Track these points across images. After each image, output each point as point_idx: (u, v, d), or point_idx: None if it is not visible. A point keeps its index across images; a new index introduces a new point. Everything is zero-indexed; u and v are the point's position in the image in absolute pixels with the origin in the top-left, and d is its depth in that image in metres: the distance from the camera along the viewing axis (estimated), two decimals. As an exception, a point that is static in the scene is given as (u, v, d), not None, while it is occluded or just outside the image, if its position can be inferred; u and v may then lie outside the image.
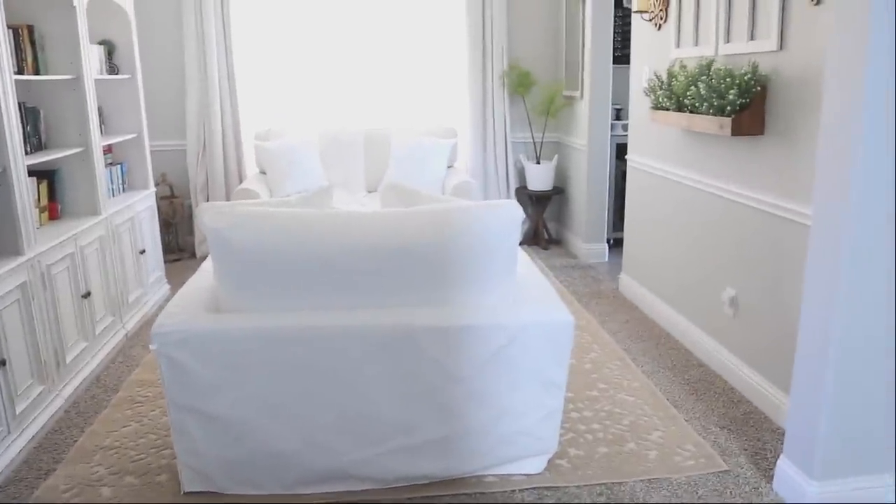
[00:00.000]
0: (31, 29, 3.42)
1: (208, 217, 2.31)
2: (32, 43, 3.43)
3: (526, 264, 2.87)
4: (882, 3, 1.95)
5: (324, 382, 2.34)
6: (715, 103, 3.10)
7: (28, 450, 2.80)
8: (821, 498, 2.34)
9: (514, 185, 6.08)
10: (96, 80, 3.88)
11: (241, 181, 5.70)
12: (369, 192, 5.59)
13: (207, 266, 2.75)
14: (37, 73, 3.46)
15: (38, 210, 3.38)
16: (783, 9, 2.84)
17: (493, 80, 5.85)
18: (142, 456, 2.75)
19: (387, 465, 2.46)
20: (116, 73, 4.33)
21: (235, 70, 5.57)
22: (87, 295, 3.49)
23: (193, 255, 5.76)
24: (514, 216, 2.43)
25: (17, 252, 2.92)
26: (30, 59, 3.40)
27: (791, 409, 2.45)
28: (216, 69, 5.49)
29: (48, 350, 3.07)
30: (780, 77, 2.91)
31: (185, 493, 2.47)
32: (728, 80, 3.03)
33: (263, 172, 5.51)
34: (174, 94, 5.64)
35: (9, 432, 2.73)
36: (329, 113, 5.88)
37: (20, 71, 3.27)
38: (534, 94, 5.86)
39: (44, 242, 3.12)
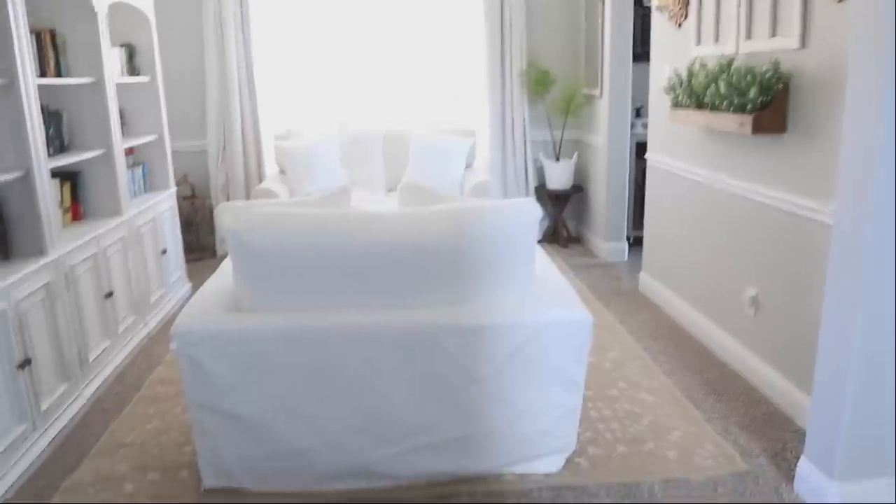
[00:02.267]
0: (53, 33, 3.47)
1: (227, 218, 2.33)
2: (55, 47, 3.48)
3: (545, 263, 2.87)
4: (904, -2, 1.93)
5: (343, 381, 2.35)
6: (735, 101, 3.08)
7: (53, 446, 2.85)
8: (841, 499, 2.31)
9: (533, 183, 6.06)
10: (117, 83, 3.93)
11: (260, 181, 5.73)
12: (389, 191, 5.60)
13: (227, 266, 2.77)
14: (59, 76, 3.51)
15: (61, 211, 3.43)
16: (805, 6, 2.81)
17: (512, 79, 5.84)
18: (164, 452, 2.78)
19: (406, 463, 2.47)
20: (137, 76, 4.38)
21: (255, 70, 5.60)
22: (110, 295, 3.53)
23: (214, 254, 5.81)
24: (532, 215, 2.43)
25: (41, 253, 2.96)
26: (52, 63, 3.45)
27: (812, 409, 2.42)
28: (236, 70, 5.53)
29: (72, 349, 3.12)
30: (802, 75, 2.88)
31: (205, 490, 2.50)
32: (749, 77, 3.00)
33: (283, 172, 5.54)
34: (194, 95, 5.69)
35: (34, 428, 2.78)
36: (348, 113, 5.91)
37: (42, 74, 3.32)
38: (553, 92, 5.84)
39: (67, 243, 3.16)
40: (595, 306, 4.40)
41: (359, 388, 2.36)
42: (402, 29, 5.82)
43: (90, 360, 3.30)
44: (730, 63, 3.23)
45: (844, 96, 2.19)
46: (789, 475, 2.55)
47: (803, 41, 2.84)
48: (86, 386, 3.24)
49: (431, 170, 5.32)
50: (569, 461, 2.63)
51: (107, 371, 3.45)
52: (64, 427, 2.96)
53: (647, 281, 4.65)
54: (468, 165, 5.67)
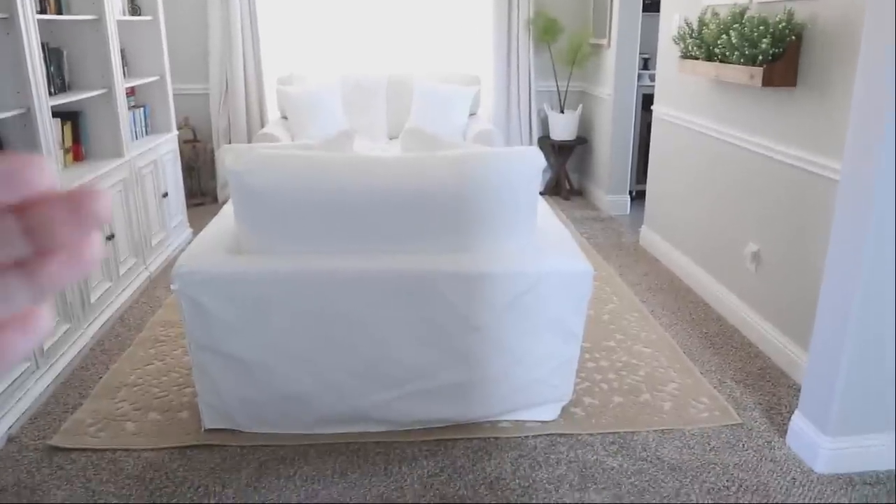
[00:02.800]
0: (52, -33, 3.40)
1: (230, 159, 2.32)
2: (54, -19, 3.41)
3: (546, 214, 2.86)
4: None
5: (342, 326, 2.37)
6: (747, 52, 3.02)
7: (55, 385, 2.88)
8: (834, 453, 2.34)
9: (536, 134, 6.01)
10: (118, 21, 3.86)
11: (262, 126, 5.68)
12: (391, 138, 5.55)
13: (229, 210, 2.76)
14: (59, 12, 3.45)
15: (62, 151, 3.40)
16: (821, -46, 2.74)
17: (518, 27, 5.74)
18: (164, 393, 2.81)
19: (403, 409, 2.50)
20: (139, 15, 4.30)
21: (258, 13, 5.51)
22: (111, 237, 3.53)
23: (215, 199, 5.78)
24: (535, 163, 2.41)
25: (41, 192, 2.94)
26: (52, -1, 3.38)
27: (809, 364, 2.44)
28: (238, 12, 5.43)
29: (74, 290, 3.13)
30: (816, 26, 2.82)
31: (205, 430, 2.54)
32: (762, 28, 2.94)
33: (285, 117, 5.49)
34: (197, 37, 5.60)
35: (37, 367, 2.80)
36: (351, 58, 5.82)
37: (42, 10, 3.26)
38: (560, 41, 5.74)
39: (67, 184, 3.15)
40: (595, 259, 4.40)
41: (358, 332, 2.38)
42: (408, -28, 5.70)
43: (92, 301, 3.31)
44: (742, 12, 3.17)
45: (858, 51, 2.14)
46: (782, 429, 2.59)
47: (818, -8, 2.78)
48: (87, 327, 3.26)
49: (434, 117, 5.27)
50: (565, 410, 2.66)
51: (108, 313, 3.47)
52: (66, 367, 2.99)
53: (649, 235, 4.64)
54: (472, 114, 5.62)
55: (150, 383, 2.89)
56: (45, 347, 2.87)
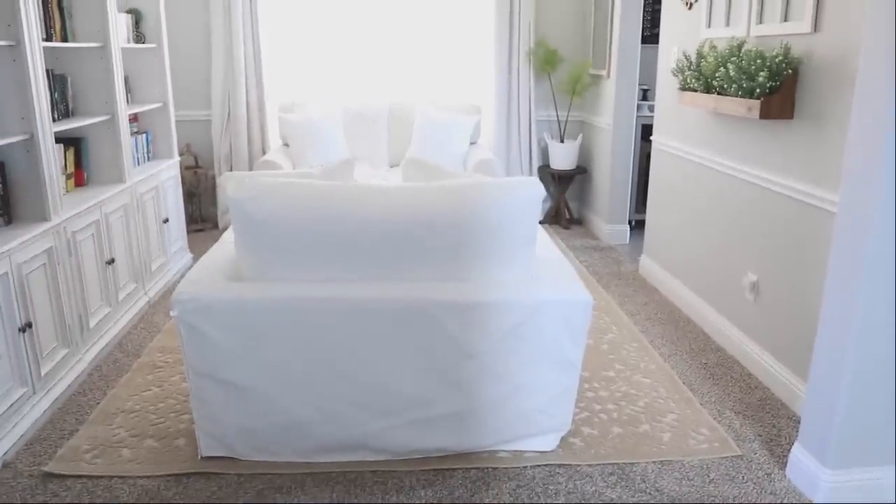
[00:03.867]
0: (59, -4, 3.45)
1: (231, 187, 2.33)
2: (61, 10, 3.45)
3: (546, 243, 2.87)
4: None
5: (341, 354, 2.36)
6: (744, 85, 3.06)
7: (52, 410, 2.87)
8: (834, 486, 2.33)
9: (536, 163, 6.04)
10: (123, 49, 3.90)
11: (264, 153, 5.72)
12: (392, 166, 5.59)
13: (229, 236, 2.77)
14: (65, 40, 3.49)
15: (64, 177, 3.42)
16: (817, -10, 2.78)
17: (519, 57, 5.80)
18: (161, 420, 2.80)
19: (401, 438, 2.48)
20: (143, 42, 4.35)
21: (261, 41, 5.57)
22: (112, 261, 3.54)
23: (216, 225, 5.81)
24: (534, 194, 2.42)
25: (43, 218, 2.96)
26: (58, 27, 3.42)
27: (808, 396, 2.43)
28: (242, 40, 5.49)
29: (73, 314, 3.13)
30: (812, 60, 2.86)
31: (202, 458, 2.52)
32: (759, 61, 2.98)
33: (287, 145, 5.52)
34: (200, 64, 5.66)
35: (34, 392, 2.79)
36: (353, 86, 5.87)
37: (48, 38, 3.30)
38: (560, 71, 5.80)
39: (70, 209, 3.16)
40: (594, 288, 4.40)
41: (356, 360, 2.37)
42: (409, 3, 5.76)
43: (91, 325, 3.31)
44: (740, 46, 3.21)
45: (854, 84, 2.17)
46: (782, 461, 2.57)
47: (815, 25, 2.82)
48: (86, 352, 3.25)
49: (435, 146, 5.31)
50: (563, 440, 2.65)
51: (107, 338, 3.46)
52: (63, 392, 2.98)
53: (648, 264, 4.65)
54: (473, 142, 5.65)
55: (147, 410, 2.88)
56: (43, 372, 2.86)
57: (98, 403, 2.94)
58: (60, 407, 2.91)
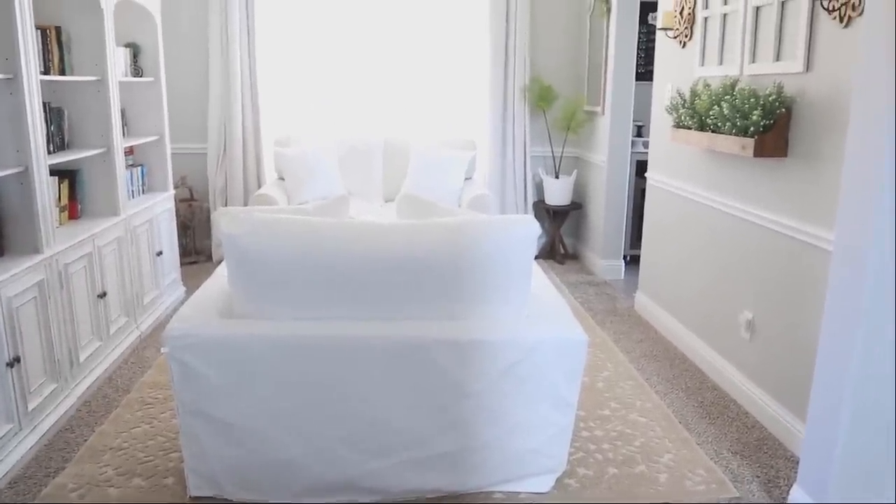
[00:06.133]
0: (58, 30, 3.46)
1: (224, 222, 2.32)
2: (59, 44, 3.47)
3: (541, 280, 2.85)
4: (911, 28, 1.93)
5: (334, 392, 2.33)
6: (738, 123, 3.08)
7: (38, 447, 2.81)
8: (834, 529, 2.29)
9: (531, 198, 6.06)
10: (121, 82, 3.92)
11: (259, 186, 5.73)
12: (387, 201, 5.59)
13: (222, 271, 2.75)
14: (62, 73, 3.50)
15: (58, 209, 3.41)
16: (811, 30, 2.81)
17: (514, 93, 5.84)
18: (150, 458, 2.75)
19: (395, 478, 2.44)
20: (141, 76, 4.38)
21: (258, 76, 5.60)
22: (103, 295, 3.51)
23: (210, 258, 5.78)
24: (530, 232, 2.41)
25: (35, 250, 2.94)
26: (56, 60, 3.44)
27: (806, 437, 2.40)
28: (239, 74, 5.53)
29: (62, 349, 3.09)
30: (805, 99, 2.88)
31: (191, 498, 2.47)
32: (752, 100, 3.00)
33: (282, 178, 5.53)
34: (197, 97, 5.69)
35: (20, 428, 2.75)
36: (349, 121, 5.91)
37: (46, 71, 3.31)
38: (555, 108, 5.85)
39: (62, 241, 3.14)
40: (589, 325, 4.38)
41: (350, 399, 2.34)
42: (405, 38, 5.83)
43: (80, 360, 3.27)
44: (733, 85, 3.24)
45: (847, 122, 2.18)
46: (781, 502, 2.53)
47: (807, 65, 2.85)
48: (75, 386, 3.21)
49: (430, 181, 5.32)
50: (559, 481, 2.61)
51: (97, 372, 3.42)
52: (50, 428, 2.93)
53: (643, 301, 4.64)
54: (468, 178, 5.66)
55: (135, 447, 2.83)
56: (30, 407, 2.81)
57: (86, 440, 2.89)
58: (47, 443, 2.86)
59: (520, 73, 5.82)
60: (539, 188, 6.10)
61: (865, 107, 2.09)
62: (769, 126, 2.97)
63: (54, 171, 3.31)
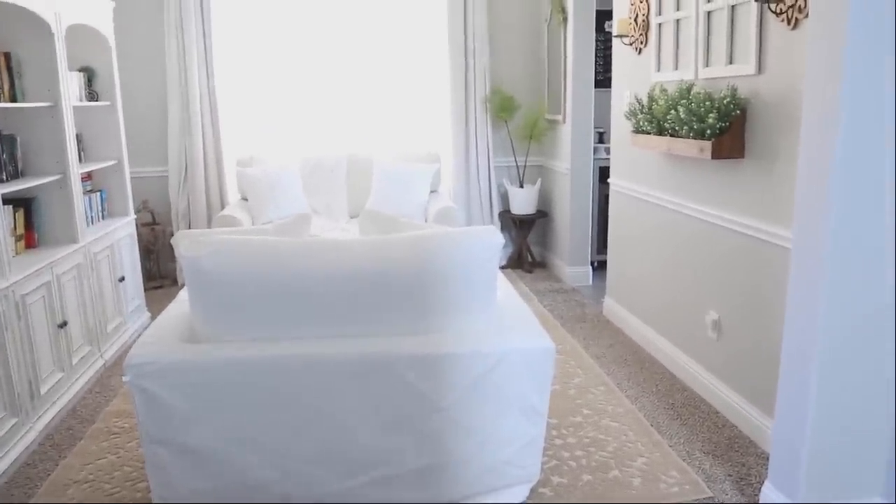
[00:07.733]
0: (7, 56, 3.39)
1: (184, 246, 2.28)
2: (9, 70, 3.40)
3: (507, 290, 2.85)
4: (856, 25, 1.97)
5: (301, 413, 2.30)
6: (695, 127, 3.11)
7: (-1, 485, 2.74)
8: (806, 524, 2.31)
9: (497, 209, 6.07)
10: (75, 107, 3.85)
11: (223, 207, 5.66)
12: (352, 217, 5.56)
13: (184, 296, 2.70)
14: (13, 100, 3.43)
15: (13, 238, 3.33)
16: (761, 33, 2.86)
17: (475, 105, 5.86)
18: (117, 489, 2.68)
19: (367, 496, 2.40)
20: (96, 100, 4.31)
21: (217, 96, 5.55)
22: (64, 324, 3.43)
23: (175, 282, 5.70)
24: (493, 243, 2.41)
25: (-10, 282, 2.87)
26: (6, 87, 3.37)
27: (774, 433, 2.43)
28: (198, 96, 5.47)
29: (22, 381, 3.01)
30: (759, 100, 2.93)
31: (159, 529, 2.41)
32: (707, 103, 3.04)
33: (245, 199, 5.47)
34: (156, 120, 5.61)
35: (-21, 467, 2.67)
36: (311, 138, 5.87)
37: (-4, 99, 3.24)
38: (516, 117, 5.88)
39: (19, 271, 3.07)
40: (559, 332, 4.39)
41: (318, 419, 2.31)
42: (365, 53, 5.83)
43: (42, 392, 3.19)
44: (689, 89, 3.28)
45: (799, 122, 2.22)
46: (754, 500, 2.55)
47: (760, 67, 2.89)
48: (37, 420, 3.12)
49: (395, 196, 5.31)
50: (533, 491, 2.60)
51: (60, 404, 3.34)
52: (11, 464, 2.85)
53: (612, 305, 4.66)
54: (433, 191, 5.66)
55: (101, 479, 2.76)
56: (-10, 444, 2.74)
57: (49, 475, 2.81)
58: (7, 481, 2.78)
59: (480, 85, 5.84)
60: (504, 198, 6.12)
61: (815, 105, 2.13)
62: (725, 128, 3.01)
63: (8, 200, 3.23)
